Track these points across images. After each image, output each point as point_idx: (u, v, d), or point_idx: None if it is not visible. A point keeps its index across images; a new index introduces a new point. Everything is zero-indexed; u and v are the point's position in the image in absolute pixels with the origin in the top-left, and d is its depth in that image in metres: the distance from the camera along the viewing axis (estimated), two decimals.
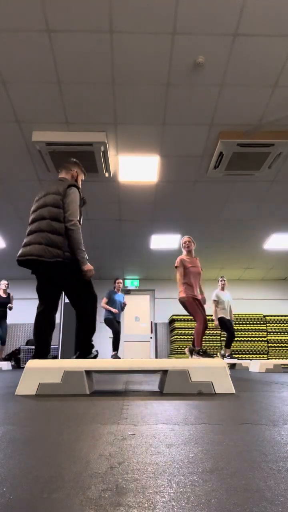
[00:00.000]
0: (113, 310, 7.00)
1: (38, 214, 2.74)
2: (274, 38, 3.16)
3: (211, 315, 6.72)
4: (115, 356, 6.95)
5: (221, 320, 6.70)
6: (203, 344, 8.72)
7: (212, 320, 6.80)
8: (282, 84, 3.62)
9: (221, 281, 6.97)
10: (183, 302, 4.87)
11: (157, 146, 4.55)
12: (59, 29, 3.07)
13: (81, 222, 2.81)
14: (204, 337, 7.90)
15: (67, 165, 3.07)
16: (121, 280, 7.44)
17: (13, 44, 3.20)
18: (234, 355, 8.37)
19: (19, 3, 2.86)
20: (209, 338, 8.80)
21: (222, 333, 8.84)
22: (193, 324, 9.17)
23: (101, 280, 9.90)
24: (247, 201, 5.97)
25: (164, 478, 0.61)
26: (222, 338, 8.88)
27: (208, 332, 8.58)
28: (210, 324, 8.74)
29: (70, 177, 3.02)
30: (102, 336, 9.13)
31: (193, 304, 4.81)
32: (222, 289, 6.95)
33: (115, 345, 7.04)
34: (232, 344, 9.01)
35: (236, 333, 9.09)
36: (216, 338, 8.84)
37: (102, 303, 7.02)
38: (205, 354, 4.74)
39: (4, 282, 7.74)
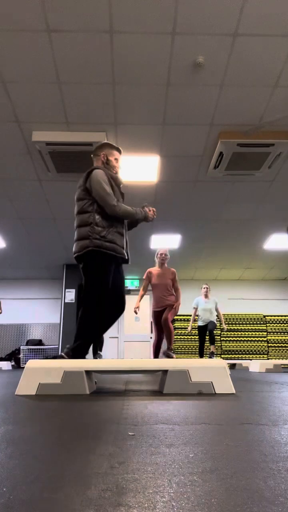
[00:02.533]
0: None
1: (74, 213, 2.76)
2: (274, 38, 3.16)
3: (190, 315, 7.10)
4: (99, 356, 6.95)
5: (198, 328, 6.91)
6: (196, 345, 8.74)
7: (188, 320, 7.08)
8: (282, 84, 3.62)
9: (203, 288, 7.00)
10: None
11: (157, 146, 4.55)
12: (59, 29, 3.07)
13: (122, 200, 2.75)
14: (191, 338, 8.21)
15: (95, 152, 2.90)
16: None
17: (13, 44, 3.20)
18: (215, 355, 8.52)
19: (19, 3, 2.86)
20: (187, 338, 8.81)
21: (221, 333, 8.84)
22: (193, 325, 9.23)
23: None
24: (247, 201, 5.97)
25: (164, 478, 0.61)
26: (222, 338, 8.88)
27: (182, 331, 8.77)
28: (183, 324, 8.86)
29: (100, 163, 2.84)
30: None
31: (153, 318, 5.17)
32: (206, 296, 6.97)
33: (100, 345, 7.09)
34: (232, 344, 9.02)
35: (236, 333, 9.10)
36: (217, 338, 8.83)
37: None
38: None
39: None
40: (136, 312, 4.99)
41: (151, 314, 5.21)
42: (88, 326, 2.51)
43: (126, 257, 2.72)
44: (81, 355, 2.44)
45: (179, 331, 8.93)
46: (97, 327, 2.61)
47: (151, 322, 10.19)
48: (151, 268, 5.25)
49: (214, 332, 6.92)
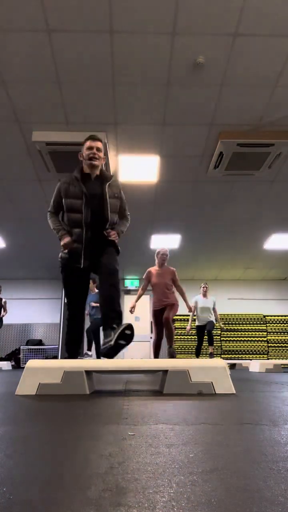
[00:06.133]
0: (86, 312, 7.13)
1: None
2: (274, 38, 3.16)
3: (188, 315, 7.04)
4: (86, 355, 6.97)
5: (196, 328, 6.89)
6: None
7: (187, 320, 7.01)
8: (282, 84, 3.61)
9: (203, 288, 7.00)
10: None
11: (157, 146, 4.55)
12: (59, 29, 3.07)
13: (73, 205, 2.63)
14: (190, 338, 8.22)
15: None
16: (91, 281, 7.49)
17: (13, 44, 3.20)
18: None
19: (19, 3, 2.86)
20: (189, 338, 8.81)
21: (222, 332, 8.84)
22: (193, 325, 9.22)
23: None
24: (247, 201, 5.97)
25: (164, 478, 0.61)
26: (222, 338, 8.88)
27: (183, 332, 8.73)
28: (183, 324, 8.85)
29: (81, 163, 2.81)
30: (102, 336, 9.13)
31: (153, 318, 5.14)
32: (204, 295, 6.97)
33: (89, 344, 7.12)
34: (232, 344, 9.02)
35: (236, 333, 9.10)
36: (216, 338, 8.83)
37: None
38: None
39: None
40: (131, 312, 4.97)
41: (151, 313, 5.22)
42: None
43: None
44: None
45: (179, 331, 8.93)
46: (68, 339, 3.00)
47: (151, 322, 10.20)
48: (151, 267, 5.24)
49: (213, 332, 6.92)
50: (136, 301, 5.10)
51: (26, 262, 8.90)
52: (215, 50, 3.26)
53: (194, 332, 7.88)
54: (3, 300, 7.87)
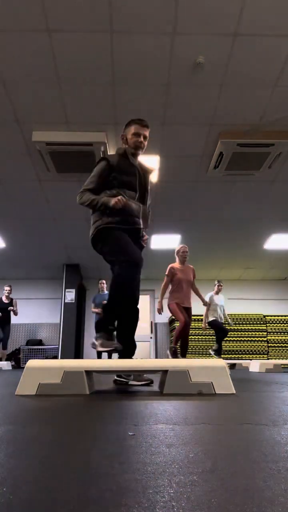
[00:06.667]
0: (97, 310, 7.10)
1: None
2: (274, 38, 3.16)
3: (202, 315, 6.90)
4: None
5: (213, 322, 6.76)
6: (197, 345, 8.74)
7: (201, 321, 6.87)
8: (282, 84, 3.62)
9: (218, 286, 6.97)
10: (170, 310, 5.05)
11: (157, 146, 4.55)
12: (59, 29, 3.07)
13: (126, 180, 2.49)
14: (191, 338, 8.11)
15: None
16: (103, 281, 7.53)
17: (13, 44, 3.20)
18: (228, 355, 8.40)
19: (19, 3, 2.86)
20: (200, 339, 8.80)
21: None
22: (193, 325, 9.22)
23: (100, 280, 9.88)
24: (247, 201, 5.97)
25: (164, 478, 0.61)
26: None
27: (198, 332, 8.68)
28: (197, 324, 8.78)
29: (122, 145, 2.66)
30: None
31: (176, 309, 4.94)
32: (217, 293, 6.95)
33: None
34: (232, 344, 9.01)
35: (236, 333, 9.09)
36: (207, 338, 8.82)
37: (91, 309, 7.41)
38: (174, 354, 4.99)
39: (6, 288, 7.73)
40: (160, 313, 4.94)
41: (172, 305, 4.96)
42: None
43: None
44: (108, 318, 2.38)
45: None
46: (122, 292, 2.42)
47: (151, 322, 10.20)
48: (172, 263, 5.14)
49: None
50: (162, 299, 4.98)
51: (26, 262, 8.90)
52: (215, 50, 3.26)
53: (199, 332, 7.82)
54: (14, 300, 7.83)
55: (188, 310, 5.00)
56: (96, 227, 2.49)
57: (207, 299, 6.78)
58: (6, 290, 7.68)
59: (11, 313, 7.66)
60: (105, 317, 2.39)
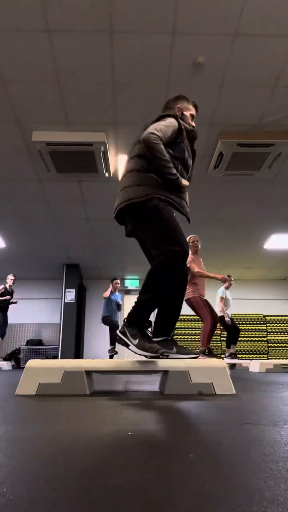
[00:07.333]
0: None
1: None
2: (274, 38, 3.16)
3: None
4: (112, 350, 7.05)
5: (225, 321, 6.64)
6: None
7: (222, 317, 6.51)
8: (282, 84, 3.61)
9: (229, 281, 6.78)
10: (190, 302, 4.72)
11: None
12: (59, 29, 3.07)
13: (185, 157, 2.28)
14: (197, 338, 7.85)
15: (168, 104, 2.36)
16: (118, 281, 7.58)
17: (13, 44, 3.19)
18: (237, 355, 8.35)
19: (19, 3, 2.86)
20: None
21: (222, 332, 8.83)
22: (193, 325, 9.17)
23: (101, 280, 9.90)
24: (247, 201, 5.97)
25: (164, 478, 0.61)
26: (222, 338, 8.87)
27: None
28: (185, 324, 8.74)
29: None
30: (102, 336, 9.12)
31: (200, 304, 4.65)
32: (227, 288, 6.83)
33: (112, 340, 7.19)
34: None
35: None
36: (217, 338, 8.83)
37: (104, 294, 7.34)
38: (210, 354, 4.59)
39: (11, 277, 7.65)
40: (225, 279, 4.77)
41: (194, 299, 4.68)
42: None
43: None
44: (146, 312, 2.01)
45: (180, 331, 8.92)
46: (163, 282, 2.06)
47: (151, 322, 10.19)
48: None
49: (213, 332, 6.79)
50: (212, 274, 4.83)
51: (26, 262, 8.89)
52: (215, 50, 3.26)
53: (197, 332, 7.78)
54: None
55: (207, 302, 4.78)
56: (148, 194, 1.99)
57: (220, 294, 6.50)
58: (10, 279, 7.61)
59: (11, 302, 7.66)
60: (143, 311, 2.00)
